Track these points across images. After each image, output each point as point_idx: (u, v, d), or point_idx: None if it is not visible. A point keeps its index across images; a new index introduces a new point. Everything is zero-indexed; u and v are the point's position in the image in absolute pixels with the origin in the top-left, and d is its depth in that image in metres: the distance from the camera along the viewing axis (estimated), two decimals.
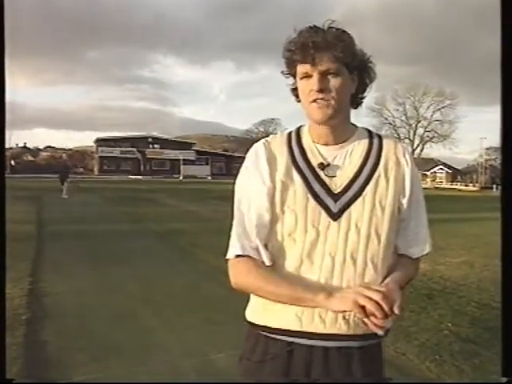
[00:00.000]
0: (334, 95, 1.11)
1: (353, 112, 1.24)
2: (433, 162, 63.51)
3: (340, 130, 1.19)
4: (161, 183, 37.27)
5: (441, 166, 62.67)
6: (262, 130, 70.99)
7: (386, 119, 63.26)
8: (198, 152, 63.31)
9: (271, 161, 1.19)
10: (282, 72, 1.20)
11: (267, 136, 1.29)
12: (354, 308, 1.03)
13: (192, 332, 3.65)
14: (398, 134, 61.05)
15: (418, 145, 62.73)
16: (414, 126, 63.20)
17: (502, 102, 1.19)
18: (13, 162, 53.22)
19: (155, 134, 67.03)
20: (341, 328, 1.15)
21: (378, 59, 1.22)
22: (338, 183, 1.18)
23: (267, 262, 1.17)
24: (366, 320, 1.04)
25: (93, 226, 10.31)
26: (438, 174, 62.02)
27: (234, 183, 1.25)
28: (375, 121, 60.35)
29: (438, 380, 2.91)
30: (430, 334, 3.67)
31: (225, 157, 65.45)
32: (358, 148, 1.21)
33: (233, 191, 1.24)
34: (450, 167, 63.30)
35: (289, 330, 1.16)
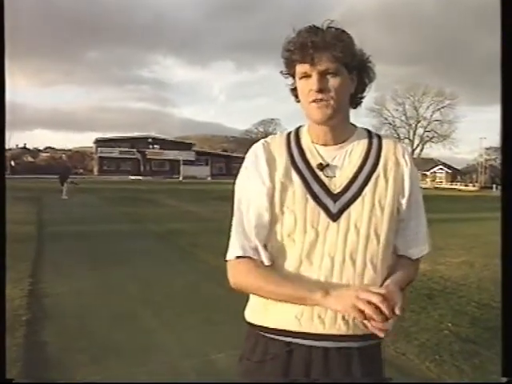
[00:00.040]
0: (333, 95, 1.11)
1: (352, 112, 1.24)
2: (432, 162, 63.51)
3: (339, 130, 1.19)
4: (160, 184, 37.28)
5: (440, 166, 62.68)
6: (261, 130, 70.98)
7: (386, 119, 63.35)
8: (198, 152, 63.34)
9: (270, 161, 1.19)
10: (281, 72, 1.20)
11: (267, 136, 1.29)
12: (353, 312, 1.03)
13: (192, 332, 3.65)
14: (398, 134, 61.09)
15: (418, 145, 62.80)
16: (413, 126, 63.29)
17: (502, 101, 1.19)
18: (13, 163, 53.27)
19: (155, 134, 67.03)
20: (340, 328, 1.14)
21: (377, 59, 1.22)
22: (337, 183, 1.17)
23: (266, 263, 1.17)
24: (366, 322, 1.04)
25: (93, 226, 10.31)
26: (437, 174, 62.04)
27: (233, 183, 1.25)
28: (375, 121, 60.43)
29: (438, 380, 2.91)
30: (430, 333, 3.67)
31: (224, 157, 65.49)
32: (357, 148, 1.21)
33: (233, 191, 1.24)
34: (449, 167, 63.30)
35: (288, 331, 1.16)
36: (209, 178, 53.85)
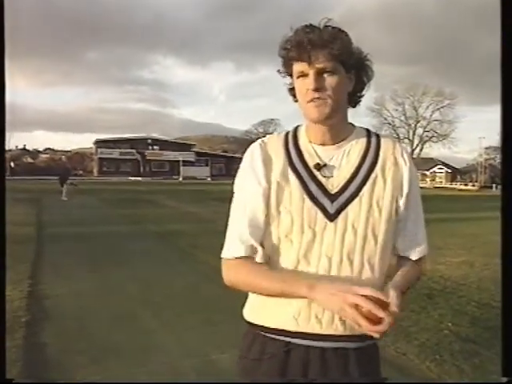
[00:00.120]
0: (331, 94, 1.10)
1: (352, 112, 1.23)
2: (432, 162, 63.52)
3: (337, 129, 1.19)
4: (160, 184, 37.25)
5: (440, 166, 62.70)
6: (261, 130, 70.94)
7: (386, 119, 63.38)
8: (198, 153, 63.28)
9: (267, 162, 1.19)
10: (279, 71, 1.19)
11: None
12: (340, 313, 1.04)
13: (192, 333, 3.65)
14: (398, 134, 61.12)
15: (418, 144, 62.85)
16: (413, 125, 63.32)
17: (502, 101, 1.19)
18: (12, 164, 53.23)
19: (155, 135, 67.09)
20: (337, 329, 1.14)
21: (377, 59, 1.22)
22: (334, 184, 1.17)
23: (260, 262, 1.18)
24: (356, 324, 1.03)
25: (92, 227, 10.31)
26: (437, 174, 62.07)
27: (233, 184, 1.25)
28: (375, 121, 60.49)
29: (439, 380, 2.91)
30: (430, 333, 3.66)
31: (224, 158, 65.41)
32: (355, 148, 1.20)
33: (232, 192, 1.24)
34: (449, 167, 63.32)
35: (286, 330, 1.16)
36: (209, 179, 53.82)
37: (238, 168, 1.25)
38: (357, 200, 1.15)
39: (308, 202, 1.15)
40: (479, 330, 3.76)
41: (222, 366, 2.99)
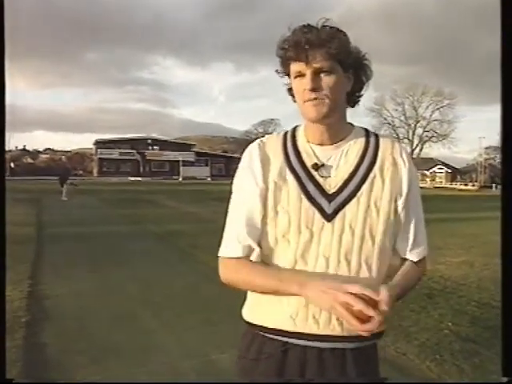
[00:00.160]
0: (328, 93, 1.10)
1: (351, 112, 1.23)
2: (432, 162, 63.53)
3: (335, 129, 1.18)
4: (160, 184, 37.26)
5: (440, 166, 62.71)
6: (261, 130, 70.93)
7: (385, 119, 63.39)
8: (198, 153, 63.31)
9: (265, 162, 1.19)
10: (277, 71, 1.19)
11: None
12: (331, 311, 1.05)
13: (191, 333, 3.65)
14: (397, 134, 61.12)
15: (417, 144, 62.84)
16: (412, 125, 63.33)
17: (502, 101, 1.18)
18: (12, 165, 53.27)
19: (154, 135, 67.15)
20: (334, 329, 1.14)
21: (377, 59, 1.22)
22: (332, 184, 1.16)
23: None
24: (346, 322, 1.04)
25: (92, 227, 10.31)
26: (437, 174, 62.07)
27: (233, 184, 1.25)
28: (374, 121, 60.52)
29: (439, 380, 2.91)
30: (431, 333, 3.66)
31: (224, 158, 65.43)
32: (353, 148, 1.20)
33: (231, 192, 1.24)
34: (449, 166, 63.33)
35: (283, 330, 1.16)
36: (208, 179, 53.85)
37: (237, 168, 1.25)
38: (354, 200, 1.15)
39: (305, 202, 1.15)
40: (479, 329, 3.76)
41: (222, 366, 2.99)
